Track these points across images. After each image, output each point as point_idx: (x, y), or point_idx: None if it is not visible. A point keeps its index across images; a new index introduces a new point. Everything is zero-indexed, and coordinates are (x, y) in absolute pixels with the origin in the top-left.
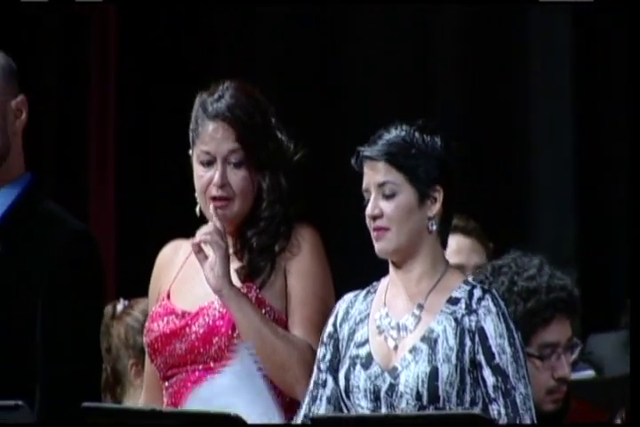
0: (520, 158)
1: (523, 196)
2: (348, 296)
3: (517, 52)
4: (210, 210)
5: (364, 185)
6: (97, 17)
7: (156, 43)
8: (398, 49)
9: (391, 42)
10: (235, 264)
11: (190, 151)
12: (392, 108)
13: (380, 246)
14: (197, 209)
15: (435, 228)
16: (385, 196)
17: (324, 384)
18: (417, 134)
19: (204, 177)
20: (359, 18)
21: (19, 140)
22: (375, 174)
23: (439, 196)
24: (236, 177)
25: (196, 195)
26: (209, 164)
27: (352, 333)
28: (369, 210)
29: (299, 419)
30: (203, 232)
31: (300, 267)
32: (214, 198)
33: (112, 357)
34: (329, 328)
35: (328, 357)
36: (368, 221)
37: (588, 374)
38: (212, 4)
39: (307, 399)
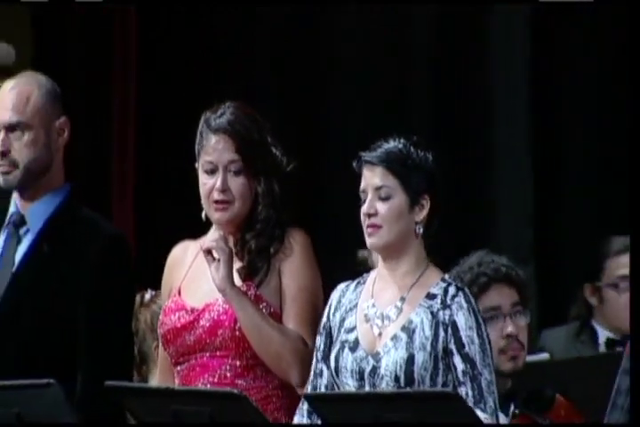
0: (483, 168)
1: (485, 202)
2: (341, 286)
3: (482, 55)
4: (212, 212)
5: (362, 186)
6: (119, 18)
7: (171, 43)
8: (381, 50)
9: (376, 44)
10: (236, 265)
11: (197, 164)
12: (374, 113)
13: (372, 241)
14: (203, 214)
15: (421, 231)
16: (381, 198)
17: (321, 374)
18: (412, 148)
19: (207, 184)
20: (342, 20)
21: (60, 156)
22: (373, 178)
23: (426, 204)
24: (236, 183)
25: (202, 200)
26: (212, 172)
27: (342, 320)
28: (365, 208)
29: (304, 406)
30: (211, 239)
31: (293, 267)
32: (216, 202)
33: (139, 339)
34: (324, 319)
35: (322, 346)
36: (363, 218)
37: (544, 356)
38: (213, 5)
39: (309, 389)
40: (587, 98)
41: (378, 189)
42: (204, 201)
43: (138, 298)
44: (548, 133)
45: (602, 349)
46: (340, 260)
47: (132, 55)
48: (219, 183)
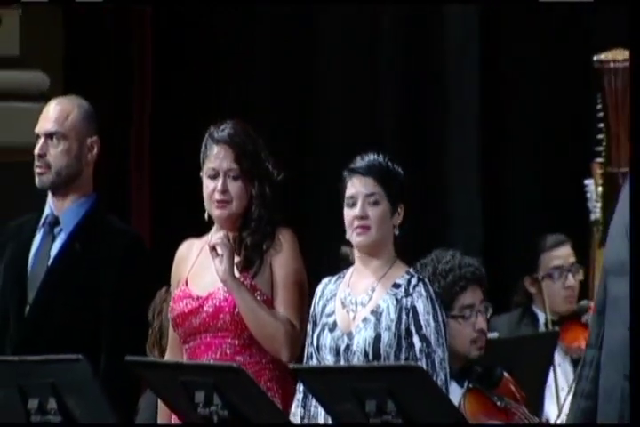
0: (440, 176)
1: (441, 206)
2: (324, 280)
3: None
4: (214, 210)
5: (351, 193)
6: (135, 19)
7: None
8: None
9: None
10: (235, 259)
11: (201, 173)
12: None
13: (360, 240)
14: (206, 215)
15: (397, 233)
16: (370, 203)
17: (312, 356)
18: (390, 163)
19: (209, 187)
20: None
21: (90, 169)
22: (362, 186)
23: (402, 211)
24: (234, 186)
25: (205, 201)
26: (214, 177)
27: (324, 307)
28: (357, 212)
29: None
30: (217, 237)
31: (282, 261)
32: (218, 201)
33: (160, 319)
34: (312, 308)
35: (310, 332)
36: (351, 220)
37: (494, 335)
38: (214, 5)
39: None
40: (529, 107)
41: (368, 196)
42: (206, 201)
43: (163, 289)
44: (494, 147)
45: (542, 330)
46: (320, 255)
47: (148, 69)
48: (219, 186)
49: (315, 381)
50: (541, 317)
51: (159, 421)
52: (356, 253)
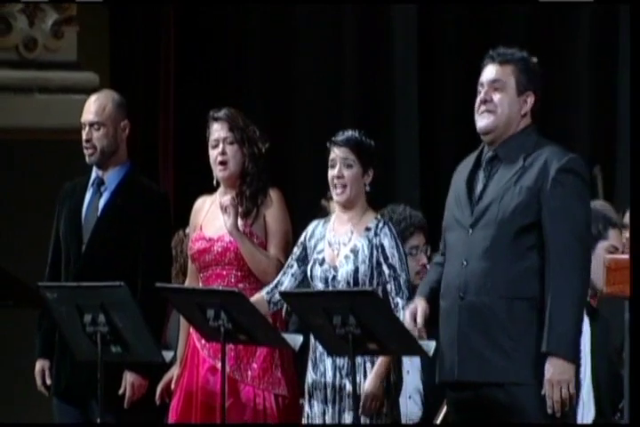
0: (386, 157)
1: (386, 174)
2: (314, 222)
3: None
4: (218, 172)
5: (332, 157)
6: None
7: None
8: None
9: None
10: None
11: (210, 151)
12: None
13: (340, 197)
14: (214, 181)
15: (368, 189)
16: (345, 166)
17: (291, 266)
18: (364, 137)
19: (213, 154)
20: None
21: (124, 145)
22: (340, 153)
23: (371, 173)
24: (230, 149)
25: (212, 166)
26: (216, 146)
27: (315, 244)
28: (336, 172)
29: (271, 284)
30: (226, 199)
31: (273, 213)
32: (220, 162)
33: (184, 255)
34: (301, 239)
35: (298, 253)
36: (332, 178)
37: None
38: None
39: (280, 274)
40: (457, 106)
41: (344, 159)
42: (213, 167)
43: (181, 232)
44: (430, 136)
45: None
46: (302, 209)
47: (171, 64)
48: (219, 149)
49: (296, 302)
50: None
51: (181, 332)
52: (337, 205)
